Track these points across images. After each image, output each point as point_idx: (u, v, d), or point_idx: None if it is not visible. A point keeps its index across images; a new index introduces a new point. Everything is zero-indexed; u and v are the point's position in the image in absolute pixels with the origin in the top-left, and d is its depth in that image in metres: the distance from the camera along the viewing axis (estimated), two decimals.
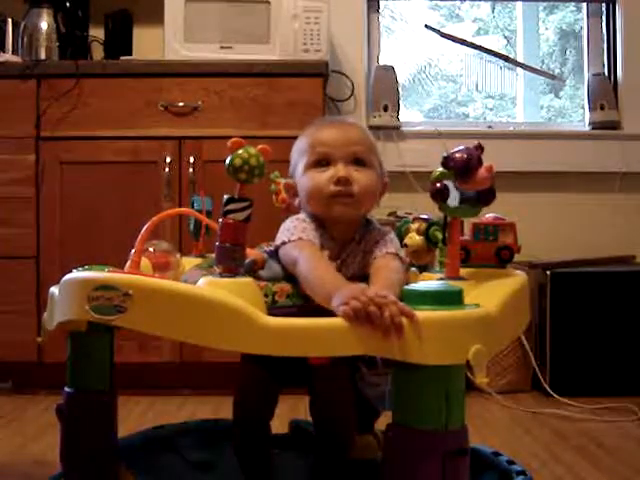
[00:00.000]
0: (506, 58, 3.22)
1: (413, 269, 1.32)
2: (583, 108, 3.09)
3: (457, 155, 1.14)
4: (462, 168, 1.13)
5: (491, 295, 1.07)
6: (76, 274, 1.08)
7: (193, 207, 1.51)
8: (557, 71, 3.36)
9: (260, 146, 1.07)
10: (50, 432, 1.93)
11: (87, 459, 1.19)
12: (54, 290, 1.16)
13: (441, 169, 1.15)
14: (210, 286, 1.02)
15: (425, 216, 1.35)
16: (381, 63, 2.99)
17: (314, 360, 1.13)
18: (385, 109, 2.84)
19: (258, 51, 2.49)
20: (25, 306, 2.38)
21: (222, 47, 2.52)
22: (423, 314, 0.92)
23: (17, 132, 2.41)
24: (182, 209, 1.79)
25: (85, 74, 2.41)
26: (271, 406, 1.20)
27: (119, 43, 2.75)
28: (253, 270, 1.19)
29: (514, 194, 2.72)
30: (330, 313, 0.97)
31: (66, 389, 1.21)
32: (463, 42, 3.20)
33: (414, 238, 1.33)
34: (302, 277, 1.12)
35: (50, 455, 1.70)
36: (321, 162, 1.24)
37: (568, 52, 3.37)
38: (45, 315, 1.21)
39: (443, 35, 3.16)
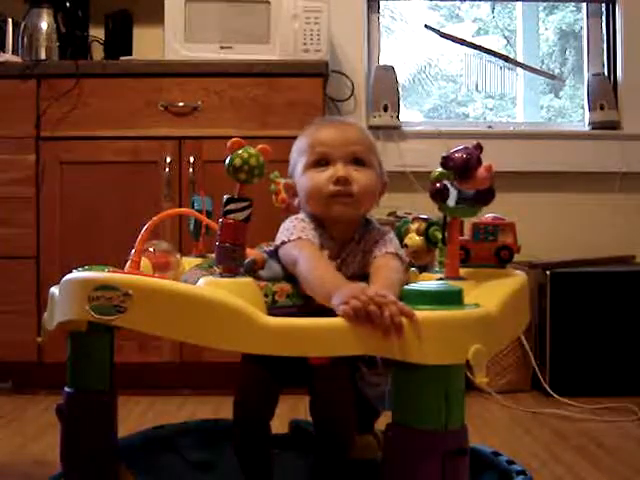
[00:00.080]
0: (506, 58, 3.22)
1: (413, 269, 1.32)
2: (583, 108, 3.09)
3: (456, 155, 1.14)
4: (461, 168, 1.13)
5: (491, 295, 1.07)
6: (76, 274, 1.08)
7: (193, 207, 1.51)
8: (557, 71, 3.36)
9: (260, 146, 1.07)
10: (50, 432, 1.93)
11: (87, 459, 1.19)
12: (54, 290, 1.16)
13: (440, 169, 1.15)
14: (210, 286, 1.02)
15: (425, 216, 1.35)
16: (381, 63, 2.99)
17: (314, 360, 1.12)
18: (385, 109, 2.84)
19: (258, 51, 2.49)
20: (25, 306, 2.38)
21: (222, 47, 2.52)
22: (423, 314, 0.92)
23: (17, 132, 2.41)
24: (182, 209, 1.79)
25: (85, 74, 2.41)
26: (271, 406, 1.20)
27: (119, 43, 2.75)
28: (253, 270, 1.19)
29: (514, 194, 2.72)
30: (330, 313, 0.97)
31: (66, 389, 1.22)
32: (463, 42, 3.20)
33: (414, 238, 1.33)
34: (302, 277, 1.12)
35: (50, 455, 1.70)
36: (320, 162, 1.24)
37: (568, 52, 3.37)
38: (45, 315, 1.21)
39: (443, 35, 3.16)
